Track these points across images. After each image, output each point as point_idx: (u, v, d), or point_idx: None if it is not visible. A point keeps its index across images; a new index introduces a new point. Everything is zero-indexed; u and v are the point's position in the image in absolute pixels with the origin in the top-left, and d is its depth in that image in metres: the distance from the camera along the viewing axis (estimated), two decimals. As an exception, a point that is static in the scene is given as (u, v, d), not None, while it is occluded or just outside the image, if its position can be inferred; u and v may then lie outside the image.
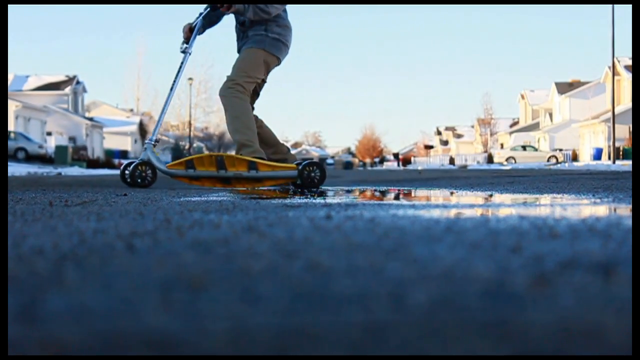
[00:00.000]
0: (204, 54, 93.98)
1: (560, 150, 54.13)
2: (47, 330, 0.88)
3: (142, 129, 64.50)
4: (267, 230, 1.98)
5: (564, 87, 60.86)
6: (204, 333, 0.86)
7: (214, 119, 66.23)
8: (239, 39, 6.36)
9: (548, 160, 49.14)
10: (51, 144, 46.13)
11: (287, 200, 3.89)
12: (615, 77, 38.76)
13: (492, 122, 69.78)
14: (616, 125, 32.46)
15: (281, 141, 6.49)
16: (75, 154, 43.05)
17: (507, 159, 51.35)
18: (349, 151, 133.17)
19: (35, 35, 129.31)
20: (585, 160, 46.77)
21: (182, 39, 6.42)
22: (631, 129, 40.50)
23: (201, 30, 6.50)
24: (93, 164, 39.16)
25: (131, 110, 70.00)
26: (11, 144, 38.14)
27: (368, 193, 5.22)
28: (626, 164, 22.65)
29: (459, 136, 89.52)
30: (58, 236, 1.85)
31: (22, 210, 2.90)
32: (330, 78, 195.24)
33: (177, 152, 55.06)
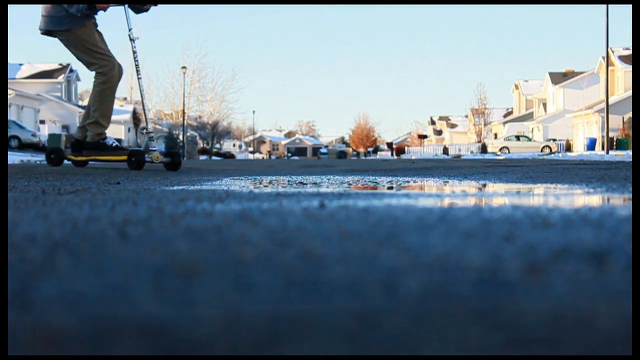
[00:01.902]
0: (198, 43, 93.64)
1: (554, 140, 54.20)
2: (39, 316, 0.88)
3: (136, 118, 64.27)
4: (260, 218, 1.98)
5: (558, 78, 60.88)
6: (196, 319, 0.86)
7: (207, 107, 66.09)
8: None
9: (542, 151, 49.17)
10: (44, 132, 45.94)
11: (281, 189, 3.89)
12: (609, 68, 38.77)
13: (486, 112, 69.85)
14: (610, 116, 32.49)
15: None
16: (68, 142, 42.83)
17: (500, 149, 51.36)
18: (342, 141, 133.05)
19: (29, 23, 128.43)
20: (579, 150, 46.83)
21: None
22: (631, 119, 40.56)
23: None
24: (86, 152, 38.88)
25: (125, 98, 69.70)
26: (4, 132, 37.97)
27: (362, 182, 5.22)
28: (620, 154, 22.67)
29: (452, 126, 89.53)
30: (50, 224, 1.85)
31: (14, 198, 2.89)
32: (324, 68, 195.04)
33: (170, 141, 54.88)
